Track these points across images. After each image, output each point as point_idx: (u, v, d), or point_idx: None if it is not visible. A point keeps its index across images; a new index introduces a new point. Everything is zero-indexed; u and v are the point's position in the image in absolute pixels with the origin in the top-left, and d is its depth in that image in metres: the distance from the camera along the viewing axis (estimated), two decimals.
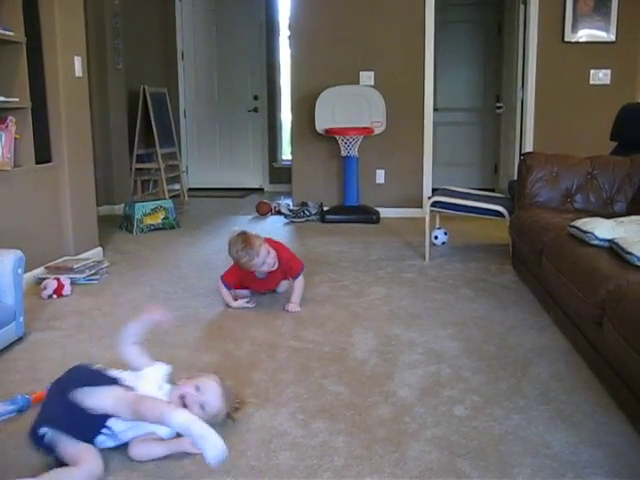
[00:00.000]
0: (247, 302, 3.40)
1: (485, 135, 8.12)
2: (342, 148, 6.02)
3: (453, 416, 2.15)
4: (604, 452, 1.92)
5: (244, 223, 6.01)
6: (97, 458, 1.81)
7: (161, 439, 1.92)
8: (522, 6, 6.23)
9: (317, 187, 6.43)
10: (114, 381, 1.96)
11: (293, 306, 3.34)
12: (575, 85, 6.04)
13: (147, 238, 5.26)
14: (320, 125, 6.12)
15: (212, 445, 1.70)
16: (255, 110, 8.29)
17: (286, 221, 6.07)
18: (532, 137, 6.14)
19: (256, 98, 8.27)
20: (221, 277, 3.43)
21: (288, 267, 3.42)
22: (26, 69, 3.79)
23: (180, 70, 8.19)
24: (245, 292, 3.53)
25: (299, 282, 3.41)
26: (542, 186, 3.96)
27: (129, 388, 1.94)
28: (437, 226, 4.89)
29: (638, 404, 2.03)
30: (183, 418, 1.76)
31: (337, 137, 6.01)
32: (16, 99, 3.73)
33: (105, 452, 1.88)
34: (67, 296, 3.61)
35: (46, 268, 3.92)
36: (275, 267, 3.34)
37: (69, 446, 1.81)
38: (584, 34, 5.95)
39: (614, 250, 2.60)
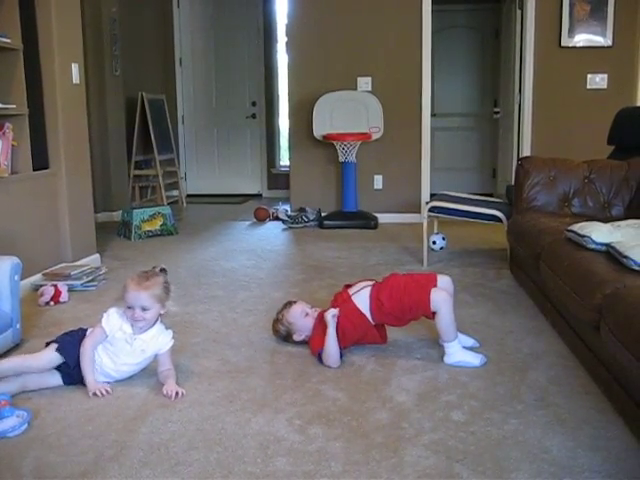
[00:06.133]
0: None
1: (483, 140, 8.14)
2: (340, 154, 6.02)
3: (451, 421, 2.15)
4: (602, 456, 1.92)
5: (242, 229, 6.01)
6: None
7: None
8: (519, 11, 6.25)
9: (315, 193, 6.43)
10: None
11: None
12: (572, 90, 6.05)
13: (145, 244, 5.26)
14: (318, 131, 6.12)
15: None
16: (253, 116, 8.30)
17: (284, 227, 6.07)
18: (530, 141, 6.15)
19: (254, 104, 8.29)
20: (314, 350, 2.70)
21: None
22: (23, 76, 3.80)
23: (178, 76, 8.20)
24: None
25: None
26: (539, 190, 3.95)
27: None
28: (435, 231, 4.89)
29: (636, 408, 2.02)
30: None
31: (335, 143, 6.01)
32: (13, 106, 3.73)
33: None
34: (64, 303, 3.60)
35: (43, 275, 3.92)
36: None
37: None
38: (581, 39, 5.96)
39: (611, 254, 2.60)
